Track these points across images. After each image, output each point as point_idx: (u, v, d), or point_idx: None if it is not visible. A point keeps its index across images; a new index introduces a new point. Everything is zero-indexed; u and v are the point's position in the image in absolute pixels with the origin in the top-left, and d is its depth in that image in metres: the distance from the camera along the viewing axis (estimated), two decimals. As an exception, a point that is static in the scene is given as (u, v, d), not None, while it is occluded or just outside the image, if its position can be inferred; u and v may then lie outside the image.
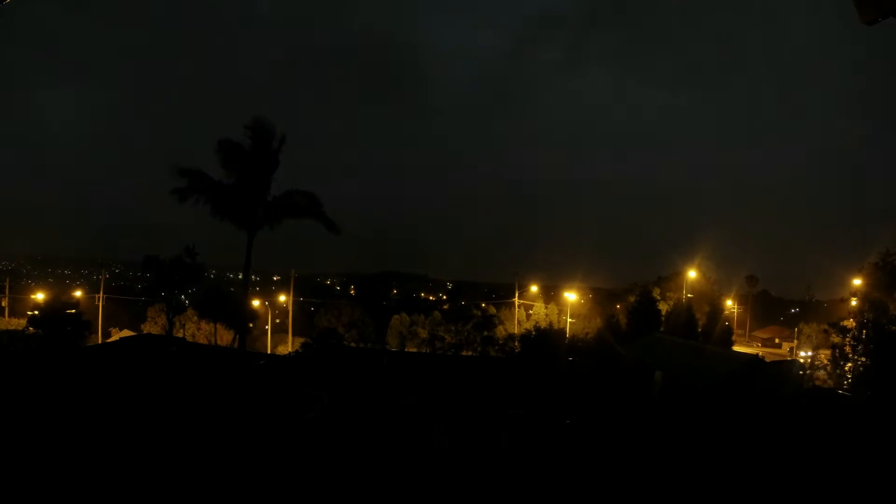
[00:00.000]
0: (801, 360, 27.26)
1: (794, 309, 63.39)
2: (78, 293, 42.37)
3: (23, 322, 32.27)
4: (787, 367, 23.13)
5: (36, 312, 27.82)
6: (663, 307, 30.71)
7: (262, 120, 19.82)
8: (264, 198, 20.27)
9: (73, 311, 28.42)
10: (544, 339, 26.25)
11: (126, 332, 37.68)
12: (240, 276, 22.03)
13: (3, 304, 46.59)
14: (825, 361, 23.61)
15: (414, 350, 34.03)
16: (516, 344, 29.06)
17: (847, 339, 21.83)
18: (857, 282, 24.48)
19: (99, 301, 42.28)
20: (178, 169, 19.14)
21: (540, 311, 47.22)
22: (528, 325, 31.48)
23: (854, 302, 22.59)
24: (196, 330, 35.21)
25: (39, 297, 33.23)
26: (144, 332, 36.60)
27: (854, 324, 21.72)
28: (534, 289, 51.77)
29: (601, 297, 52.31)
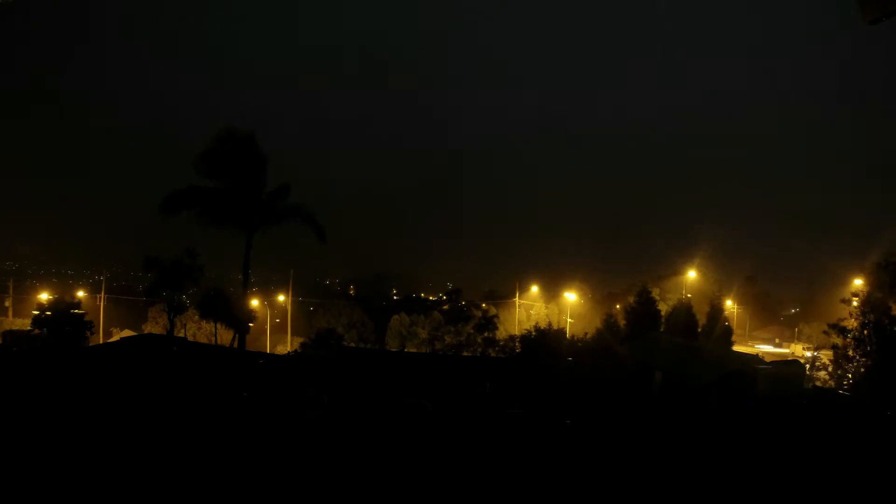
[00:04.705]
0: (802, 361, 27.17)
1: (795, 309, 63.28)
2: (80, 293, 42.59)
3: (27, 322, 32.44)
4: (787, 367, 23.11)
5: (38, 312, 27.98)
6: (663, 307, 30.67)
7: (232, 128, 20.22)
8: (258, 199, 20.46)
9: (78, 311, 28.61)
10: (544, 339, 26.25)
11: (127, 332, 37.90)
12: (240, 277, 22.18)
13: (7, 304, 46.84)
14: (826, 362, 23.54)
15: (414, 350, 34.08)
16: (516, 344, 29.07)
17: (848, 340, 21.73)
18: (858, 282, 24.40)
19: (100, 301, 42.51)
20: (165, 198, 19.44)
21: (540, 311, 47.25)
22: (529, 326, 31.46)
23: (855, 302, 22.49)
24: (197, 329, 35.40)
25: (43, 297, 33.39)
26: (146, 331, 36.82)
27: (856, 324, 21.62)
28: (534, 289, 51.83)
29: (601, 298, 52.35)
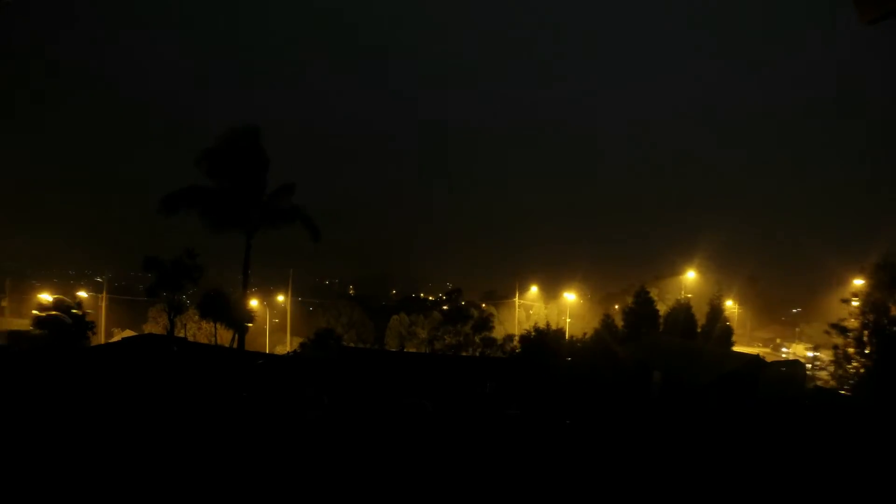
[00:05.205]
0: (803, 361, 27.11)
1: (796, 309, 63.16)
2: (82, 293, 42.71)
3: (27, 322, 32.47)
4: (787, 367, 23.06)
5: (38, 312, 28.01)
6: (662, 308, 30.61)
7: (236, 128, 20.25)
8: (259, 199, 20.50)
9: (78, 311, 28.64)
10: (543, 339, 26.23)
11: (128, 332, 38.00)
12: (240, 277, 22.24)
13: (4, 304, 46.95)
14: (827, 362, 23.46)
15: (413, 350, 34.10)
16: (516, 344, 29.07)
17: (848, 340, 21.66)
18: (858, 282, 24.32)
19: (102, 301, 42.63)
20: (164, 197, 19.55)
21: (540, 311, 47.30)
22: (528, 326, 31.46)
23: (855, 302, 22.41)
24: (197, 330, 35.42)
25: (43, 297, 33.45)
26: (146, 331, 36.89)
27: (856, 324, 21.54)
28: (534, 289, 51.91)
29: (600, 298, 52.40)
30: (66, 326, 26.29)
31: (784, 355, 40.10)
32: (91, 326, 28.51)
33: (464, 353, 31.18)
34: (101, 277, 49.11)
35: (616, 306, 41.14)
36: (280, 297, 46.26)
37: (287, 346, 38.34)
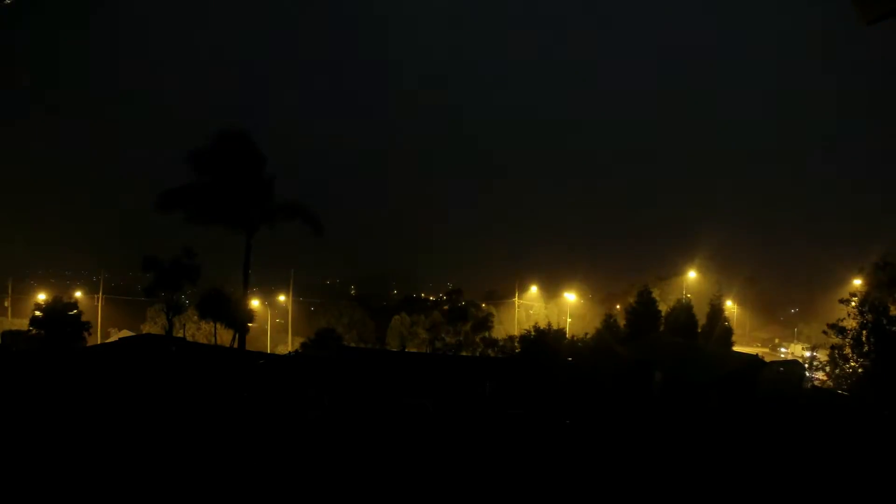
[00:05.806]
0: (801, 361, 27.26)
1: (794, 309, 63.45)
2: (78, 293, 42.54)
3: (25, 322, 32.32)
4: (785, 367, 23.18)
5: (38, 313, 27.88)
6: (663, 308, 30.70)
7: (226, 130, 20.31)
8: (256, 198, 20.48)
9: (75, 311, 28.51)
10: (544, 339, 26.26)
11: (125, 332, 37.84)
12: (240, 277, 22.18)
13: (6, 304, 46.76)
14: (825, 362, 23.56)
15: (414, 350, 34.12)
16: (516, 344, 29.10)
17: (846, 341, 21.76)
18: (857, 282, 24.42)
19: (98, 301, 42.47)
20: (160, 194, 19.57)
21: (540, 311, 47.35)
22: (529, 326, 31.50)
23: (854, 303, 22.50)
24: (196, 330, 35.32)
25: (41, 297, 33.30)
26: (144, 332, 36.74)
27: (854, 324, 21.63)
28: (534, 289, 51.94)
29: (601, 298, 52.46)
30: (62, 326, 26.19)
31: (782, 355, 40.24)
32: (87, 327, 28.38)
33: (464, 353, 31.20)
34: (97, 277, 48.87)
35: (618, 306, 41.20)
36: (281, 297, 46.19)
37: (288, 346, 38.29)
